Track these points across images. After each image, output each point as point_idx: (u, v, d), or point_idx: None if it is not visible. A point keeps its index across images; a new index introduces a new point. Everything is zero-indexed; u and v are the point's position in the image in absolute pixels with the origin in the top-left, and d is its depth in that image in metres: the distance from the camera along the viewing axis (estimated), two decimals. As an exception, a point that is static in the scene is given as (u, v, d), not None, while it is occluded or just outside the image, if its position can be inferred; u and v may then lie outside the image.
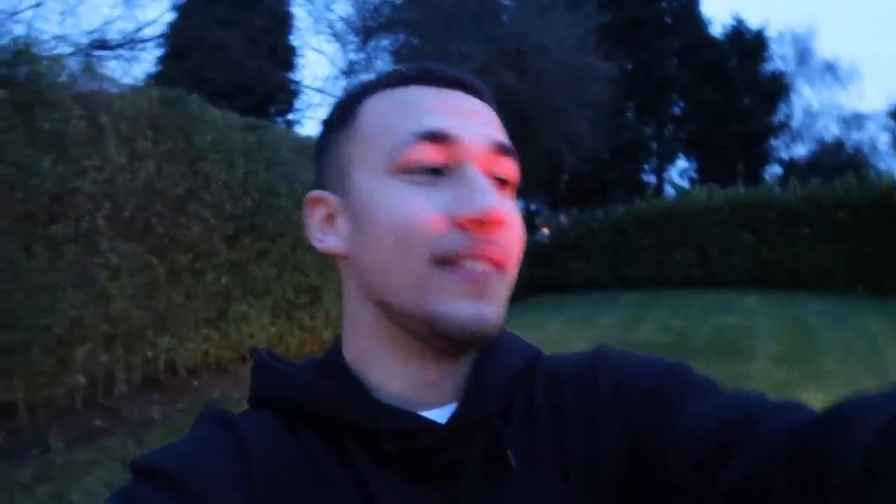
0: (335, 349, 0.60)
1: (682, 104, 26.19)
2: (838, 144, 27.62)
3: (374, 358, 0.55)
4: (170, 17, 15.91)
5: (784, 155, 28.11)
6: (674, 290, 12.34)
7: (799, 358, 7.54)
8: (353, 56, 18.51)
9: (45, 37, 7.15)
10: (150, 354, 5.47)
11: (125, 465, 4.59)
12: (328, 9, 17.50)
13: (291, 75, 20.23)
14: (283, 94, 19.97)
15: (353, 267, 0.56)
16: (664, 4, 25.02)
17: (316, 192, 0.58)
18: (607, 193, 21.75)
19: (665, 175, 27.64)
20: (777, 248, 12.23)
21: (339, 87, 20.30)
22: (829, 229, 11.70)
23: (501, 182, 0.55)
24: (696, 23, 25.33)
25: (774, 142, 27.18)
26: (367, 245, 0.53)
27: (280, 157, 6.81)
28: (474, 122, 0.54)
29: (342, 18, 18.07)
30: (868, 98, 45.76)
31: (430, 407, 0.54)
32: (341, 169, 0.56)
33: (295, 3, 19.58)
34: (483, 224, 0.50)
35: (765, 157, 26.70)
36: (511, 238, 0.53)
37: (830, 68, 29.55)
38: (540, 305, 11.61)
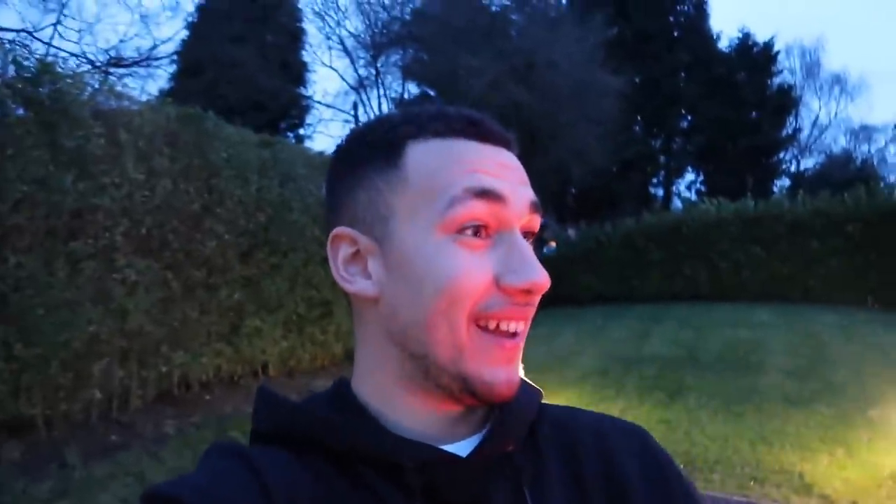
0: (344, 384, 0.60)
1: (690, 117, 26.23)
2: (847, 157, 27.57)
3: (396, 398, 0.56)
4: (184, 34, 16.14)
5: (792, 168, 28.09)
6: (683, 303, 12.31)
7: (811, 372, 7.51)
8: (363, 71, 18.69)
9: (64, 55, 7.27)
10: (164, 369, 5.52)
11: (140, 481, 4.64)
12: (339, 25, 17.69)
13: (303, 91, 20.45)
14: (295, 110, 20.17)
15: (382, 312, 0.56)
16: (672, 19, 25.14)
17: (344, 230, 0.57)
18: (615, 206, 21.74)
19: (673, 188, 27.65)
20: (787, 262, 12.20)
21: (350, 102, 20.48)
22: (840, 242, 11.68)
23: (531, 235, 0.58)
24: (705, 37, 25.42)
25: (783, 155, 27.16)
26: (408, 299, 0.53)
27: (294, 173, 6.88)
28: (517, 182, 0.56)
29: (352, 34, 18.27)
30: (876, 110, 45.63)
31: (448, 442, 0.56)
32: (378, 214, 0.55)
33: (306, 20, 19.81)
34: (529, 293, 0.53)
35: (773, 170, 26.65)
36: (539, 296, 0.56)
37: (839, 81, 29.62)
38: (549, 319, 11.61)
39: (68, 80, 4.51)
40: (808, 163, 28.67)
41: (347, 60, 18.94)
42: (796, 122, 27.13)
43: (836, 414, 6.15)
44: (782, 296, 12.03)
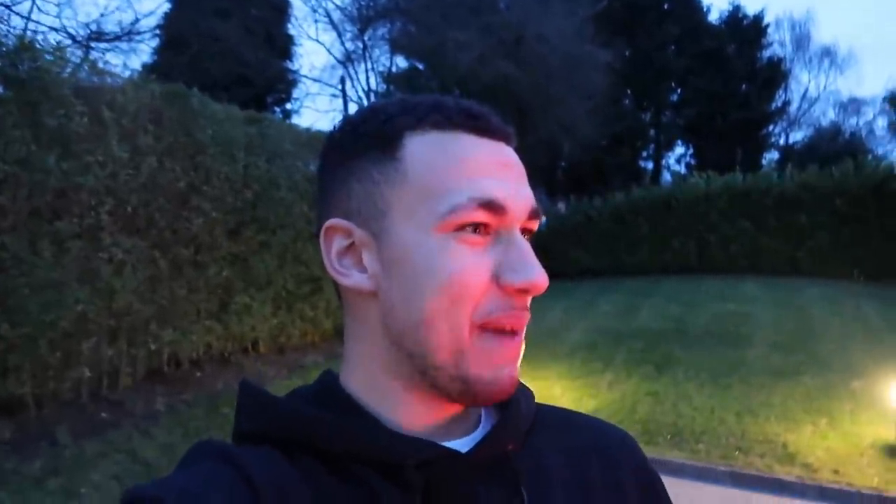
0: (331, 378, 0.59)
1: (680, 91, 26.13)
2: (835, 130, 27.60)
3: (391, 393, 0.55)
4: (166, 7, 15.84)
5: (782, 141, 28.12)
6: (672, 277, 12.40)
7: (797, 344, 7.61)
8: (350, 45, 18.46)
9: (43, 29, 7.12)
10: (153, 347, 5.52)
11: (132, 458, 4.66)
12: (325, -3, 17.43)
13: (289, 65, 20.18)
14: (281, 84, 19.91)
15: (379, 309, 0.54)
16: (662, -9, 24.91)
17: (339, 222, 0.55)
18: (605, 180, 21.73)
19: (663, 162, 27.65)
20: (775, 236, 12.28)
21: (337, 76, 20.25)
22: (827, 216, 11.75)
23: (529, 233, 0.57)
24: (694, 9, 25.20)
25: (772, 128, 27.16)
26: (406, 297, 0.52)
27: (281, 150, 6.83)
28: (519, 184, 0.55)
29: (338, 7, 18.00)
30: (866, 83, 45.57)
31: (445, 439, 0.55)
32: (375, 207, 0.54)
33: (291, -8, 19.48)
34: (528, 293, 0.53)
35: (763, 144, 26.66)
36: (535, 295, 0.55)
37: (828, 53, 29.51)
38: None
39: (48, 57, 4.43)
40: (797, 136, 28.71)
41: (334, 34, 18.71)
42: (786, 95, 27.10)
43: (821, 385, 6.25)
44: (770, 269, 12.13)
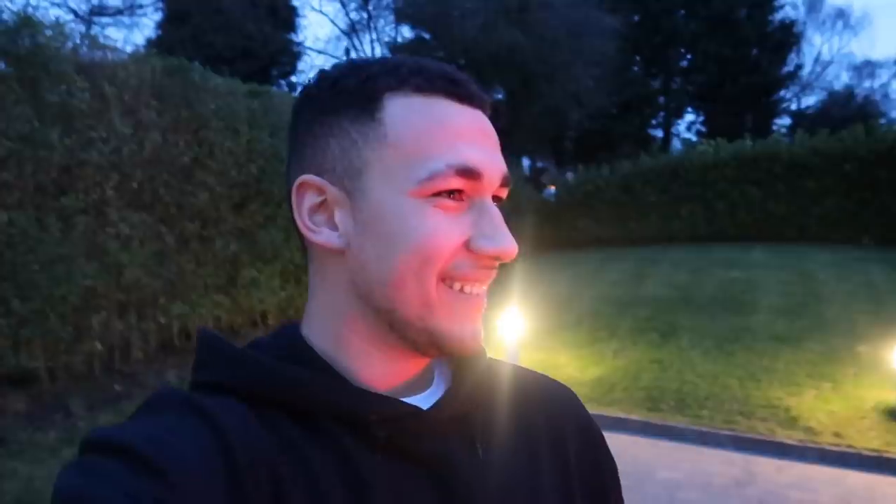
0: (293, 331, 0.59)
1: (689, 57, 25.75)
2: (848, 94, 27.17)
3: (354, 350, 0.56)
4: (168, -20, 15.68)
5: (793, 106, 27.73)
6: (681, 245, 12.38)
7: (801, 310, 7.62)
8: (354, 15, 18.28)
9: (45, 4, 7.11)
10: (163, 321, 5.61)
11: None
12: (328, -33, 17.22)
13: (293, 37, 20.03)
14: (286, 57, 19.78)
15: (348, 266, 0.55)
16: (671, -47, 24.37)
17: (312, 178, 0.55)
18: (614, 149, 21.54)
19: (673, 129, 27.36)
20: (783, 202, 12.20)
21: (342, 48, 20.09)
22: (836, 181, 11.65)
23: (499, 199, 0.58)
24: (704, -28, 24.71)
25: (784, 93, 26.76)
26: (377, 255, 0.53)
27: (284, 123, 6.82)
28: (495, 152, 0.56)
29: (342, -23, 17.78)
30: (880, 45, 44.61)
31: (405, 395, 0.56)
32: (351, 166, 0.54)
33: (294, -38, 19.24)
34: (498, 260, 0.55)
35: (774, 109, 26.31)
36: (505, 262, 0.57)
37: (841, 15, 28.94)
38: (547, 263, 11.69)
39: (48, 33, 4.43)
40: (809, 100, 28.41)
41: (338, 4, 18.52)
42: (798, 58, 26.66)
43: (825, 350, 6.28)
44: (778, 236, 12.08)
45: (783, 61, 25.13)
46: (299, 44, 20.29)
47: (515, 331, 5.60)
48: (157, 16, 15.85)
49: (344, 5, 18.31)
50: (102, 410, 4.78)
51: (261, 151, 6.49)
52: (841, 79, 29.44)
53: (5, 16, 4.24)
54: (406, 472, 0.53)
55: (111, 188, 4.87)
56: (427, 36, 19.42)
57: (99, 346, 4.95)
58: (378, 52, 19.42)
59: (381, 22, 18.95)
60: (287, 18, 19.30)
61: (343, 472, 0.51)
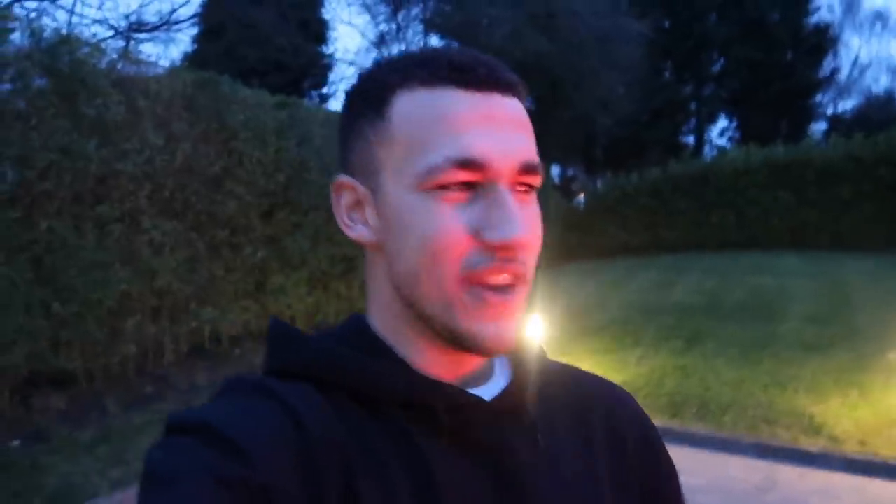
0: (360, 320, 0.61)
1: (722, 61, 25.44)
2: (888, 97, 26.56)
3: (411, 341, 0.57)
4: (203, -4, 16.14)
5: (830, 110, 27.20)
6: (710, 252, 12.24)
7: (832, 317, 7.50)
8: (384, 27, 18.54)
9: (86, 22, 7.42)
10: (194, 325, 5.80)
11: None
12: (358, -21, 17.49)
13: (324, 49, 20.38)
14: (317, 69, 20.13)
15: (382, 258, 0.57)
16: (702, -43, 24.16)
17: (344, 178, 0.58)
18: (645, 156, 21.38)
19: (705, 135, 27.04)
20: (817, 208, 11.99)
21: (371, 59, 20.37)
22: (871, 186, 11.41)
23: (528, 187, 0.56)
24: (736, -24, 24.43)
25: (820, 97, 26.28)
26: (398, 250, 0.55)
27: (311, 133, 7.00)
28: (509, 136, 0.54)
29: (372, -11, 18.05)
30: (923, 46, 43.48)
31: (469, 386, 0.58)
32: (370, 165, 0.56)
33: (325, -24, 19.59)
34: (507, 250, 0.53)
35: (810, 114, 25.82)
36: (530, 253, 0.55)
37: (880, 17, 28.36)
38: (576, 271, 11.68)
39: (85, 49, 4.66)
40: (847, 104, 27.82)
41: (367, 16, 18.81)
42: (834, 62, 26.17)
43: (854, 357, 6.18)
44: (811, 242, 11.87)
45: (819, 65, 24.67)
46: (330, 55, 20.65)
47: (535, 338, 5.64)
48: (194, 31, 16.32)
49: (373, 17, 18.59)
50: (136, 411, 4.97)
51: (288, 161, 6.67)
52: (880, 82, 28.81)
53: (46, 34, 4.46)
54: (469, 460, 0.54)
55: (144, 197, 5.07)
56: (455, 45, 19.58)
57: (133, 348, 5.15)
58: (407, 61, 19.58)
59: (410, 32, 19.18)
60: (318, 31, 19.66)
61: (408, 458, 0.52)
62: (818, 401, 5.34)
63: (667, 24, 22.98)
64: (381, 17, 18.41)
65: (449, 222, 0.52)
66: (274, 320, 0.61)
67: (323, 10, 20.41)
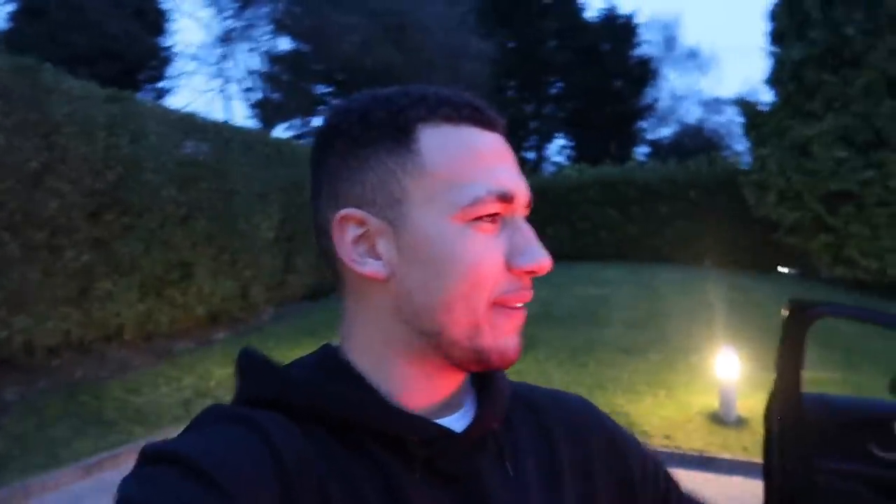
0: (333, 352, 0.61)
1: (561, 84, 27.22)
2: (698, 127, 29.80)
3: (398, 370, 0.58)
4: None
5: (651, 136, 30.00)
6: (546, 263, 13.00)
7: (647, 324, 8.30)
8: (230, 23, 17.84)
9: None
10: (3, 334, 5.24)
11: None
12: (202, -29, 16.71)
13: (162, 41, 19.17)
14: (154, 62, 18.88)
15: (393, 292, 0.57)
16: (542, -14, 25.75)
17: (353, 211, 0.57)
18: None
19: (545, 153, 28.75)
20: (638, 224, 13.25)
21: (216, 55, 19.50)
22: (683, 206, 12.82)
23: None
24: (573, 6, 26.30)
25: (643, 123, 28.90)
26: (424, 281, 0.55)
27: (146, 130, 6.60)
28: (519, 174, 0.60)
29: (217, -18, 17.32)
30: (726, 84, 49.40)
31: (437, 417, 0.59)
32: (391, 196, 0.56)
33: (165, -37, 18.50)
34: (535, 274, 0.58)
35: (635, 138, 28.31)
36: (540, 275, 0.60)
37: (693, 55, 31.79)
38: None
39: None
40: (666, 131, 30.77)
41: (213, 10, 18.01)
42: (655, 92, 28.92)
43: (664, 360, 6.89)
44: (634, 255, 13.07)
45: (641, 93, 27.15)
46: (169, 48, 19.47)
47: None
48: (10, 7, 14.67)
49: (219, 11, 17.84)
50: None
51: (119, 158, 6.24)
52: (693, 113, 32.27)
53: None
54: (443, 491, 0.55)
55: (-55, 192, 4.53)
56: (306, 48, 19.30)
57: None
58: (256, 62, 19.03)
59: (258, 31, 18.63)
60: (155, 21, 18.47)
61: (384, 489, 0.53)
62: (633, 400, 5.90)
63: (512, 45, 24.19)
64: (227, 13, 17.72)
65: (489, 252, 0.55)
66: (244, 349, 0.60)
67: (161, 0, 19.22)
